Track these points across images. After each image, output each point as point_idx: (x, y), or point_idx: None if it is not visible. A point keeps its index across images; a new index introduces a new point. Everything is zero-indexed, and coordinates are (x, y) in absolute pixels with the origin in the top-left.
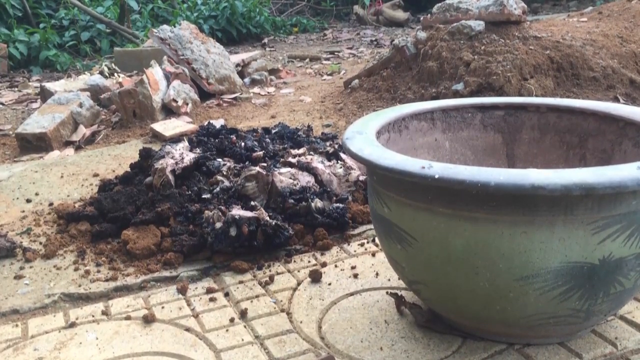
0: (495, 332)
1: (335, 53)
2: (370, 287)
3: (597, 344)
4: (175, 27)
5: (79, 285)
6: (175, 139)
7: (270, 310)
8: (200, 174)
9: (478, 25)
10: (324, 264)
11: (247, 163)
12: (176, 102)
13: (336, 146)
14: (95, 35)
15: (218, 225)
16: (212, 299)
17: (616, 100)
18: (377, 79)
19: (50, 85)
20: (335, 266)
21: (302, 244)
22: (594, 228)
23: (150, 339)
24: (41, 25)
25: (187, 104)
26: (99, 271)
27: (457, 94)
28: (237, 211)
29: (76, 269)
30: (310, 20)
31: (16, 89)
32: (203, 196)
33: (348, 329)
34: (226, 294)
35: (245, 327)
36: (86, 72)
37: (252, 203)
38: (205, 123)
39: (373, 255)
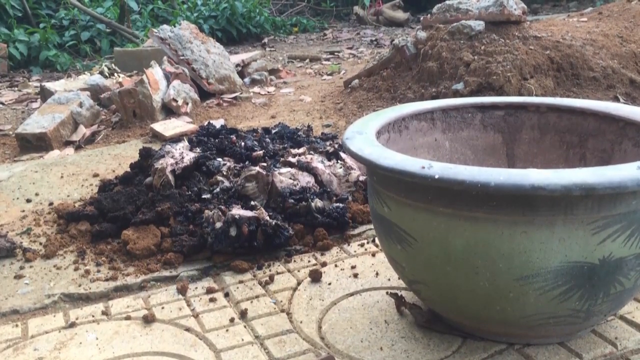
0: (495, 332)
1: (335, 53)
2: (370, 287)
3: (597, 344)
4: (175, 27)
5: (79, 285)
6: (175, 139)
7: (270, 310)
8: (200, 174)
9: (478, 25)
10: (324, 264)
11: (247, 163)
12: (176, 101)
13: (336, 146)
14: (95, 35)
15: (218, 225)
16: (212, 299)
17: (616, 100)
18: (377, 78)
19: (50, 85)
20: (335, 266)
21: (302, 244)
22: (594, 228)
23: (150, 339)
24: (41, 25)
25: (187, 104)
26: (99, 271)
27: (457, 94)
28: (237, 211)
29: (76, 269)
30: (310, 20)
31: (16, 88)
32: (203, 196)
33: (348, 329)
34: (226, 294)
35: (245, 327)
36: (86, 72)
37: (252, 203)
38: (205, 123)
39: (373, 255)
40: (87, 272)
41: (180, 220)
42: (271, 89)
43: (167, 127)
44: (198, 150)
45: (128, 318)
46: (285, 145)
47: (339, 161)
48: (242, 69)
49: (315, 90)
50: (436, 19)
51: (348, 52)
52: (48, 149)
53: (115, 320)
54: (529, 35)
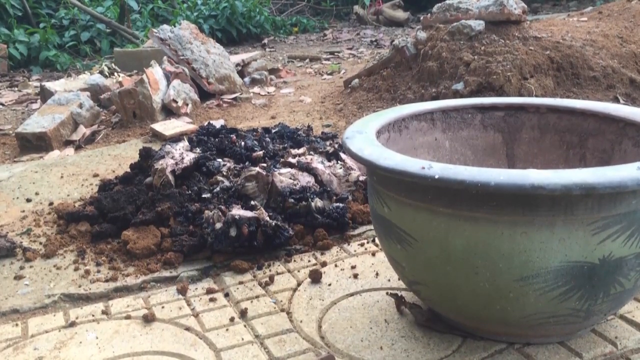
0: (495, 332)
1: (335, 53)
2: (370, 287)
3: (597, 343)
4: (175, 27)
5: (79, 286)
6: (175, 139)
7: (270, 309)
8: (200, 174)
9: (478, 25)
10: (324, 264)
11: (247, 163)
12: (176, 102)
13: (336, 146)
14: (95, 36)
15: (218, 225)
16: (212, 299)
17: (616, 100)
18: (377, 78)
19: (50, 85)
20: (335, 266)
21: (302, 244)
22: (594, 228)
23: (150, 339)
24: (41, 25)
25: (187, 105)
26: (99, 271)
27: (457, 94)
28: (237, 211)
29: (76, 269)
30: (310, 20)
31: (16, 89)
32: (203, 196)
33: (348, 329)
34: (226, 294)
35: (245, 326)
36: (86, 72)
37: (252, 203)
38: (205, 123)
39: (373, 255)
40: (87, 272)
41: (180, 220)
42: (271, 89)
43: (167, 127)
44: (198, 150)
45: (128, 317)
46: (285, 145)
47: (339, 161)
48: (242, 69)
49: (315, 90)
50: (436, 19)
51: (348, 52)
52: (48, 149)
53: (115, 320)
54: (529, 35)
